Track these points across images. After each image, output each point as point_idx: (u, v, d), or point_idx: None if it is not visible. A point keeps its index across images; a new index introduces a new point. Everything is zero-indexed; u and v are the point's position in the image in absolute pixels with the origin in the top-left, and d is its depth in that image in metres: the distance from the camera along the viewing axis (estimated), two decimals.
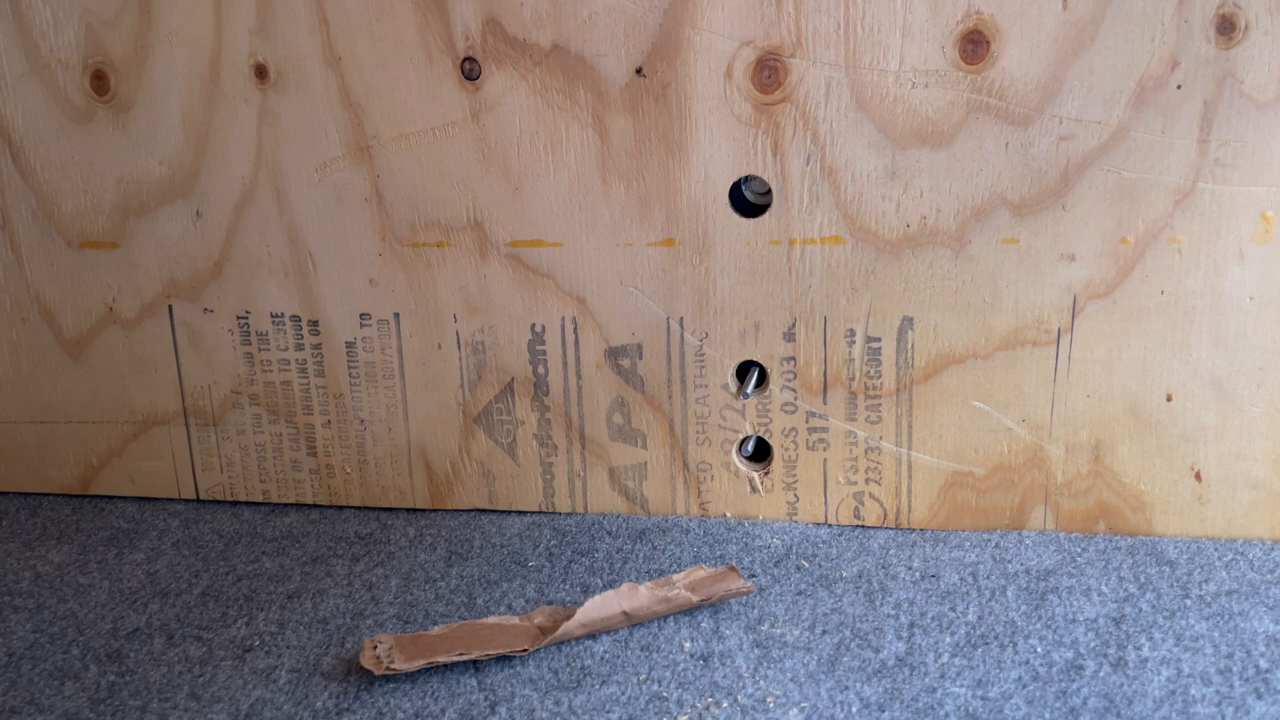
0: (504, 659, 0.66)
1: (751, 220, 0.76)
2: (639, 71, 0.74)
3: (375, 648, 0.65)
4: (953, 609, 0.69)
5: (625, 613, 0.68)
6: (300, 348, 0.84)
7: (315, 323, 0.83)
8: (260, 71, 0.79)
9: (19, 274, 0.87)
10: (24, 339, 0.88)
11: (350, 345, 0.83)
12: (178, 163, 0.82)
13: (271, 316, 0.84)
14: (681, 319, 0.78)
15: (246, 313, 0.84)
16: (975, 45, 0.70)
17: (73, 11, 0.80)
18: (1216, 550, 0.74)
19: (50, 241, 0.85)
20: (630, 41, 0.74)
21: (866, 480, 0.79)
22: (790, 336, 0.77)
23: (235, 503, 0.88)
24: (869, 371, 0.77)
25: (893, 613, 0.69)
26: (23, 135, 0.83)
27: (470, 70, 0.76)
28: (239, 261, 0.83)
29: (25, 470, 0.92)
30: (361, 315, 0.82)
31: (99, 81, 0.81)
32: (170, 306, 0.85)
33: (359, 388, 0.84)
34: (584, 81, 0.75)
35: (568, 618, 0.67)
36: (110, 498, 0.90)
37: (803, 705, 0.61)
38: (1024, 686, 0.62)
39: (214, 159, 0.81)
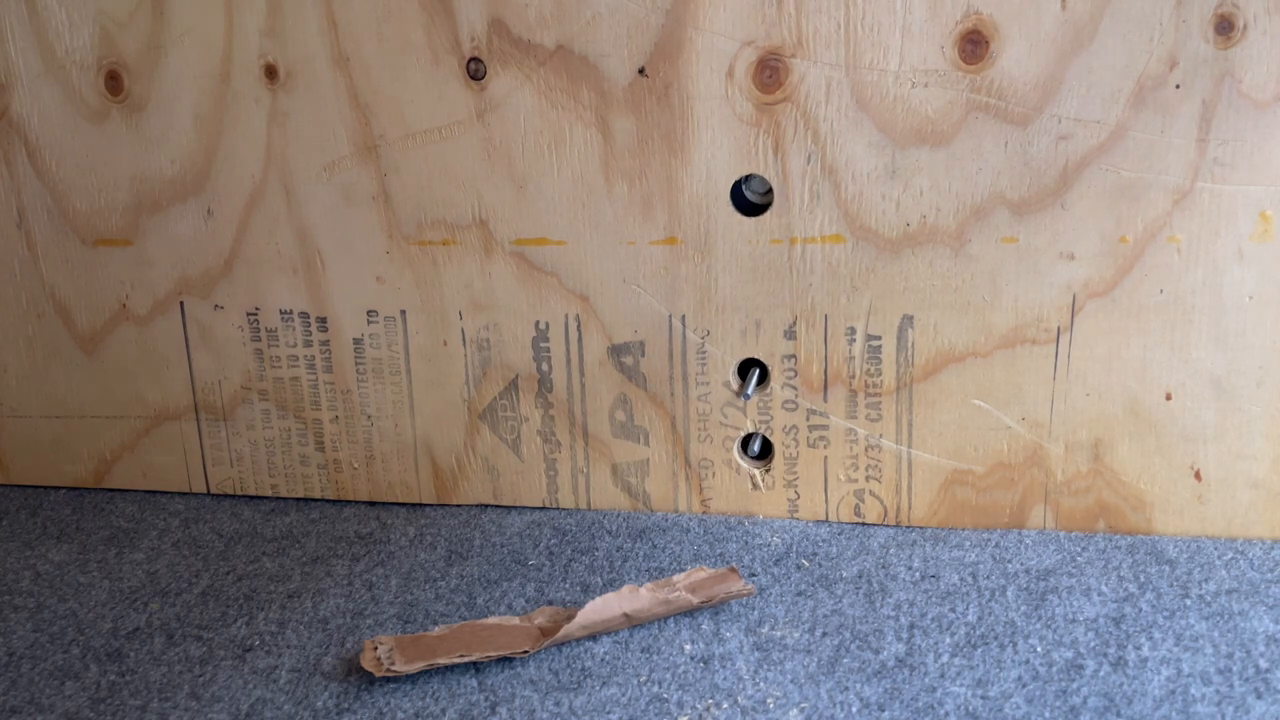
0: (504, 660, 0.64)
1: (753, 219, 0.74)
2: (642, 71, 0.72)
3: (376, 649, 0.63)
4: (952, 609, 0.67)
5: (626, 614, 0.65)
6: (309, 344, 0.82)
7: (323, 319, 0.81)
8: (270, 72, 0.77)
9: (35, 271, 0.85)
10: (39, 334, 0.86)
11: (358, 342, 0.81)
12: (189, 162, 0.80)
13: (281, 313, 0.82)
14: (683, 317, 0.76)
15: (256, 309, 0.82)
16: (974, 45, 0.68)
17: (87, 13, 0.79)
18: (1216, 549, 0.72)
19: (65, 239, 0.84)
20: (633, 42, 0.72)
21: (867, 478, 0.76)
22: (791, 334, 0.75)
23: (236, 502, 0.86)
24: (869, 369, 0.74)
25: (893, 614, 0.67)
26: (39, 135, 0.82)
27: (476, 70, 0.74)
28: (249, 259, 0.81)
29: (40, 464, 0.90)
30: (369, 312, 0.80)
31: (113, 82, 0.80)
32: (182, 303, 0.83)
33: (366, 384, 0.82)
34: (587, 81, 0.73)
35: (568, 619, 0.65)
36: (110, 497, 0.89)
37: (802, 706, 0.59)
38: (1024, 686, 0.59)
39: (225, 158, 0.80)
